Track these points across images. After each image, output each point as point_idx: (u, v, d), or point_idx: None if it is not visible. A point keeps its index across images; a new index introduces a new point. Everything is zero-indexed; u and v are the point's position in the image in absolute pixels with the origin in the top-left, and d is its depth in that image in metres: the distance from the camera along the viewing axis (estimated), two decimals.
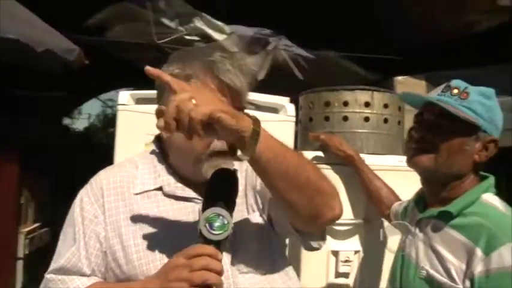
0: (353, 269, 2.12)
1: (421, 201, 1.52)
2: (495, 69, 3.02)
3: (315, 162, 2.14)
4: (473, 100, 1.35)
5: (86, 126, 19.72)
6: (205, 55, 1.14)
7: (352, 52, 3.59)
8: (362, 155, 2.15)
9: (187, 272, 0.95)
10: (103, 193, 1.16)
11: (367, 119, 2.21)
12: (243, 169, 1.25)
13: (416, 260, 1.39)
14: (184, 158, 1.17)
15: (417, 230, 1.44)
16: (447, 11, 3.37)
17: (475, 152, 1.36)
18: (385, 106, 2.24)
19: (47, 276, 1.14)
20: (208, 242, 0.97)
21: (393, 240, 2.13)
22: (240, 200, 1.13)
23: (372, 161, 2.15)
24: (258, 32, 3.53)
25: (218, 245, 0.97)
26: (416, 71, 3.38)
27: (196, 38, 3.62)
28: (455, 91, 1.38)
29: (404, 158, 2.24)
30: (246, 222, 1.20)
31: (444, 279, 1.28)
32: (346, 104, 2.20)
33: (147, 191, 1.18)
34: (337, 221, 2.03)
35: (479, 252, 1.22)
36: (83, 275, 1.11)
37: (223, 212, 0.98)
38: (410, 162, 1.47)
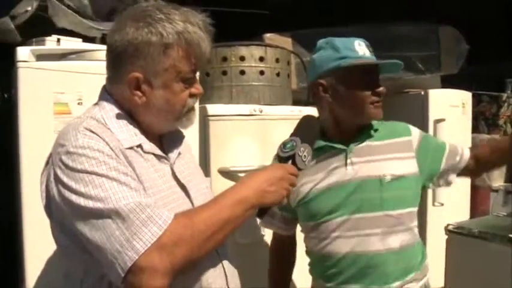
0: None
1: (329, 142, 1.71)
2: (353, 28, 3.42)
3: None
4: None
5: None
6: (170, 19, 1.17)
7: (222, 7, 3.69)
8: (259, 106, 2.34)
9: (287, 184, 1.26)
10: (108, 143, 1.12)
11: (262, 73, 2.39)
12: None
13: (370, 176, 1.65)
14: (164, 117, 1.25)
15: (353, 159, 1.67)
16: None
17: None
18: (277, 61, 2.44)
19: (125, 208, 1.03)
20: (280, 158, 1.32)
21: None
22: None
23: (267, 111, 2.35)
24: None
25: (294, 163, 1.31)
26: (283, 28, 3.62)
27: None
28: (371, 49, 1.67)
29: (294, 108, 2.51)
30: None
31: (406, 171, 1.67)
32: (242, 59, 2.36)
33: (132, 147, 1.19)
34: (237, 168, 2.24)
35: (407, 136, 1.73)
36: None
37: (296, 139, 1.33)
38: (372, 117, 1.69)
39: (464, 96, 4.25)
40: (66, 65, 1.89)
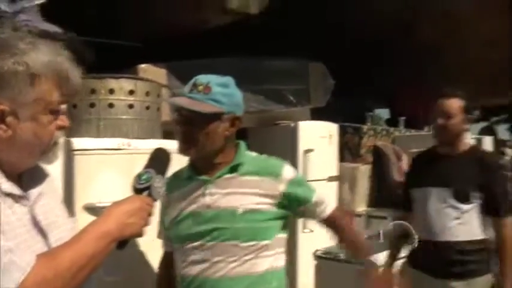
0: None
1: (195, 172, 1.79)
2: (228, 60, 3.52)
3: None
4: (215, 92, 1.70)
5: None
6: (37, 50, 1.12)
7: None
8: (127, 140, 2.31)
9: (146, 215, 1.25)
10: None
11: (131, 106, 2.37)
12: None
13: (225, 207, 1.71)
14: (30, 151, 1.18)
15: (211, 190, 1.74)
16: (184, 7, 3.74)
17: (225, 130, 1.75)
18: (147, 94, 2.43)
19: None
20: (136, 190, 1.30)
21: None
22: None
23: (136, 145, 2.32)
24: None
25: (150, 194, 1.31)
26: (157, 59, 3.62)
27: None
28: (200, 87, 1.69)
29: (162, 142, 2.52)
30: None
31: (263, 206, 1.72)
32: (112, 91, 2.31)
33: None
34: (104, 204, 2.18)
35: (276, 178, 1.75)
36: None
37: (151, 170, 1.33)
38: (183, 153, 1.76)
39: (332, 128, 4.55)
40: None
